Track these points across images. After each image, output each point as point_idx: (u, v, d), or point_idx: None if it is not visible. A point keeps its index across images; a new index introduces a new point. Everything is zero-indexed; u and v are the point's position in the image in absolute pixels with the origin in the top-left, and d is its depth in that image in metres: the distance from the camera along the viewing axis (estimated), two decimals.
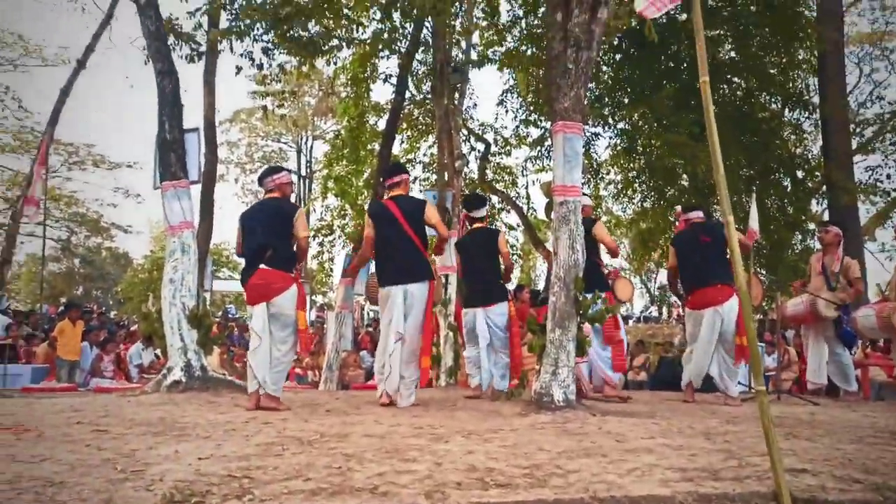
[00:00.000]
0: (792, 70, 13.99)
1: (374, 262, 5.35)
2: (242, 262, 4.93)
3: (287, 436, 3.49)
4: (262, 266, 4.75)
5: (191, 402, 5.01)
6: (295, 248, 4.93)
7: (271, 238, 4.79)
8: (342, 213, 15.99)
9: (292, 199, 5.29)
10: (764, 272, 12.48)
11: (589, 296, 5.18)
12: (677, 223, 6.42)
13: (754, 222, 8.19)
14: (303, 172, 32.97)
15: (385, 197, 5.37)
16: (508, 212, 16.23)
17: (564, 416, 4.21)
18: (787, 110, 14.45)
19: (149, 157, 6.69)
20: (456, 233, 5.37)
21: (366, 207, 5.13)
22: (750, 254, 8.18)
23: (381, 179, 5.38)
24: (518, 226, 16.75)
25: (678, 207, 6.55)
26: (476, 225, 6.01)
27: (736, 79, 13.48)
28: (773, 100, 14.02)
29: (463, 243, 6.08)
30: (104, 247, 30.46)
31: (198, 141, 6.62)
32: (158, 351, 9.59)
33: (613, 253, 6.05)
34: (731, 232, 2.77)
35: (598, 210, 15.21)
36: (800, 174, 13.94)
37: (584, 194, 6.41)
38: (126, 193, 23.92)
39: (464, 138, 14.77)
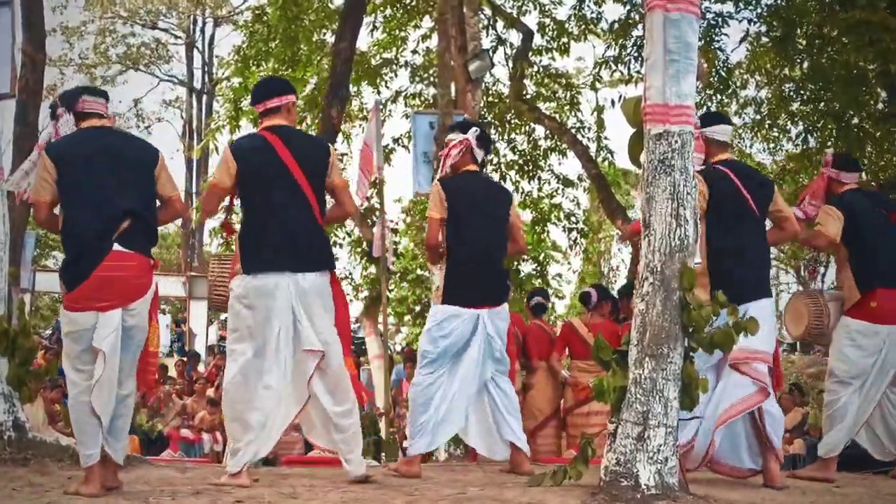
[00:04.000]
0: None
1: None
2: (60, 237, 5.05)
3: None
4: (115, 246, 4.83)
5: None
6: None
7: (128, 198, 4.92)
8: None
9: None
10: None
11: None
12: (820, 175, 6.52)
13: None
14: (196, 83, 32.98)
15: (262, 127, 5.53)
16: (563, 154, 16.23)
17: None
18: None
19: None
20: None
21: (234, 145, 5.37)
22: None
23: (252, 102, 5.58)
24: (581, 180, 16.72)
25: (828, 152, 6.63)
26: (469, 167, 6.12)
27: None
28: None
29: (454, 191, 5.98)
30: None
31: (11, 23, 6.66)
32: None
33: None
34: None
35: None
36: None
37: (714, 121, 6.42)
38: None
39: (485, 23, 14.78)
